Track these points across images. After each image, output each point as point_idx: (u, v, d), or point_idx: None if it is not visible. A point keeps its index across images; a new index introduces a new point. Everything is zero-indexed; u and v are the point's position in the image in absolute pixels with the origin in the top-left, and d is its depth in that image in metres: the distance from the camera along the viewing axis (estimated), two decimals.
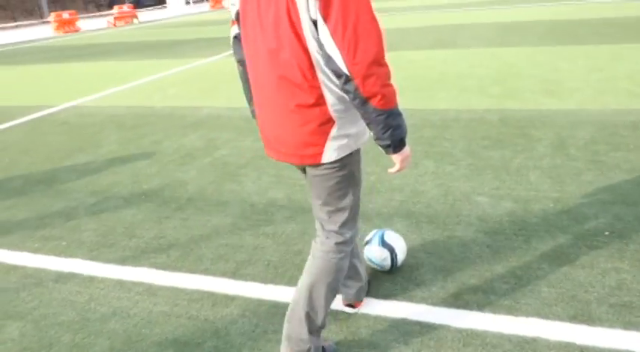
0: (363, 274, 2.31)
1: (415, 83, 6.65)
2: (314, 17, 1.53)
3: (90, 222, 3.43)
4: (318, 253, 1.96)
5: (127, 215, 3.49)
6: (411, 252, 2.71)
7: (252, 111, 2.05)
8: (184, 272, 2.73)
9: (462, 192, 3.37)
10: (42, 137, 5.69)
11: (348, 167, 1.84)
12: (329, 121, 1.72)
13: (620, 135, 4.15)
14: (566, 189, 3.28)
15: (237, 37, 1.93)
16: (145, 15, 31.06)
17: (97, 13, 36.61)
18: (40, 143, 5.45)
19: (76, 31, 24.07)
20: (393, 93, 1.64)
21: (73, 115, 6.61)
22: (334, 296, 1.97)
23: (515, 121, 4.72)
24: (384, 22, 14.89)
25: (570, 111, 4.90)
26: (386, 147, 1.71)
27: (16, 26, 31.12)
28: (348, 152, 1.78)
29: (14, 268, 2.92)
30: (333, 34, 1.52)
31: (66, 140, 5.49)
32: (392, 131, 1.66)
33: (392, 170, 1.81)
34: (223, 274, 2.68)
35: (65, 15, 24.61)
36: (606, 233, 2.73)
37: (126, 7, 27.86)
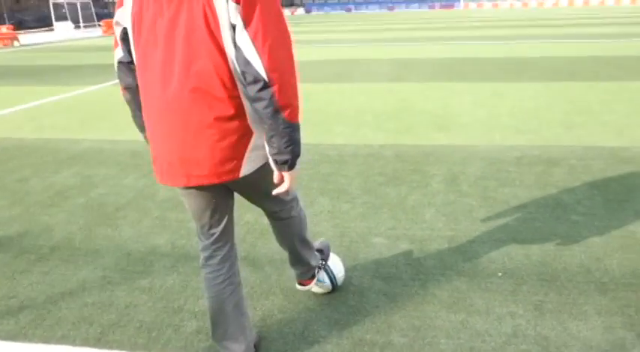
0: (250, 332, 2.04)
1: (314, 116, 6.57)
2: (234, 22, 1.50)
3: None
4: (275, 222, 2.16)
5: None
6: (303, 304, 2.48)
7: (147, 138, 1.87)
8: (35, 341, 2.28)
9: (358, 233, 3.23)
10: None
11: (269, 175, 1.77)
12: (247, 133, 1.66)
13: (506, 170, 4.28)
14: (459, 227, 3.25)
15: (122, 62, 1.76)
16: (28, 37, 28.83)
17: None
18: None
19: None
20: (299, 107, 1.65)
21: None
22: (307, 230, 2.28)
23: (410, 157, 4.74)
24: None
25: (460, 146, 5.03)
26: (282, 163, 1.67)
27: None
28: (263, 161, 1.75)
29: None
30: (254, 40, 1.50)
31: None
32: (294, 146, 1.64)
33: (280, 189, 1.75)
34: (85, 341, 2.26)
35: None
36: (499, 274, 2.69)
37: (5, 29, 25.61)
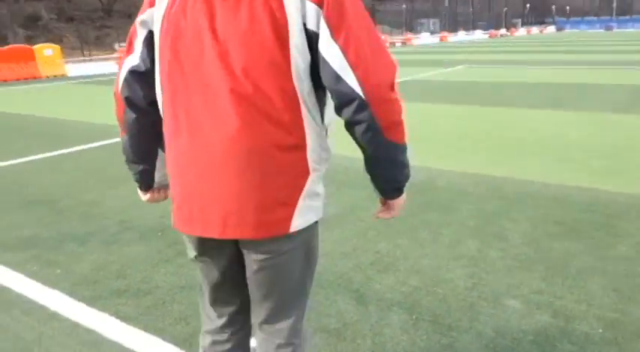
0: None
1: (507, 145, 5.94)
2: (313, 29, 1.21)
3: (97, 252, 3.37)
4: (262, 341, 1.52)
5: (132, 251, 3.38)
6: None
7: (142, 173, 1.56)
8: (139, 327, 2.49)
9: (492, 289, 2.75)
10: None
11: (312, 241, 1.44)
12: (304, 172, 1.32)
13: None
14: (631, 311, 2.51)
15: (135, 71, 1.39)
16: None
17: None
18: (118, 163, 5.69)
19: None
20: (404, 124, 1.34)
21: None
22: None
23: (604, 207, 3.89)
24: (502, 75, 14.00)
25: None
26: (392, 191, 1.42)
27: None
28: (315, 219, 1.39)
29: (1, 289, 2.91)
30: (346, 49, 1.21)
31: None
32: (403, 169, 1.39)
33: (385, 214, 1.49)
34: (174, 339, 2.39)
35: None
36: None
37: None
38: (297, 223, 1.33)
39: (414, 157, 5.77)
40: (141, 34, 1.37)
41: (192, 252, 1.45)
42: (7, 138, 7.43)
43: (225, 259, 1.43)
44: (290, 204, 1.31)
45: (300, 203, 1.32)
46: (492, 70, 16.40)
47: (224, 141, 1.25)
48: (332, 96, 1.27)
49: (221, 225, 1.30)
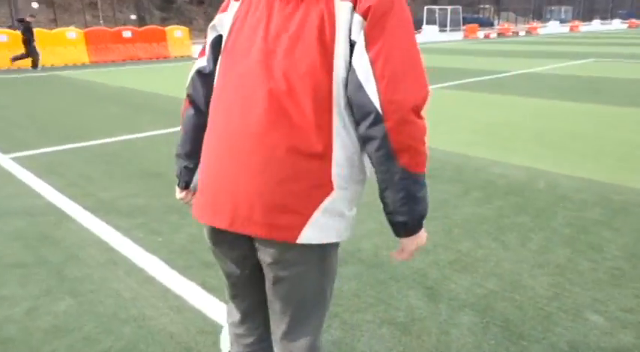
0: None
1: (624, 149, 5.45)
2: (354, 38, 1.22)
3: (194, 225, 3.67)
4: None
5: None
6: None
7: (184, 169, 1.61)
8: (221, 299, 2.71)
9: (575, 302, 2.60)
10: None
11: (328, 259, 1.39)
12: (326, 185, 1.27)
13: None
14: None
15: (201, 72, 1.47)
16: None
17: None
18: None
19: None
20: (426, 156, 1.27)
21: None
22: None
23: None
24: (634, 71, 12.68)
25: None
26: (399, 225, 1.30)
27: None
28: (334, 239, 1.32)
29: (109, 251, 3.30)
30: (375, 61, 1.20)
31: None
32: (413, 204, 1.27)
33: (398, 255, 1.38)
34: None
35: None
36: None
37: None
38: (309, 236, 1.28)
39: (513, 156, 5.52)
40: (210, 38, 1.46)
41: (207, 242, 1.48)
42: (135, 114, 8.23)
43: (237, 258, 1.44)
44: (302, 214, 1.27)
45: (316, 216, 1.27)
46: (624, 64, 14.92)
47: (248, 136, 1.27)
48: (353, 108, 1.24)
49: (230, 217, 1.31)
